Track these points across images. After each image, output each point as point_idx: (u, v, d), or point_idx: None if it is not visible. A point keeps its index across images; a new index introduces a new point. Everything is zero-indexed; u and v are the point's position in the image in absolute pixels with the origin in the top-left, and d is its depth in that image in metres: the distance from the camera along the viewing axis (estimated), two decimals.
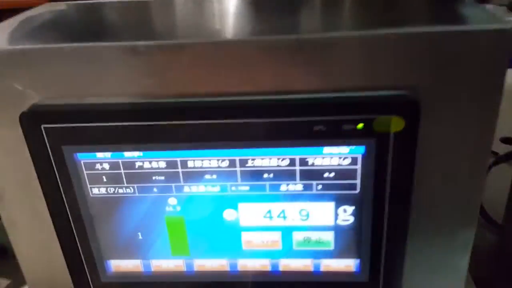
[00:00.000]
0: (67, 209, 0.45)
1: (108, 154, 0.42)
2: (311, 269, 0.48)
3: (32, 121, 0.41)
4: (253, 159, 0.42)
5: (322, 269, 0.47)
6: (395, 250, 0.45)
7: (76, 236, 0.47)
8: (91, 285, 0.50)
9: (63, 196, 0.44)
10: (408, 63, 0.37)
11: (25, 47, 0.40)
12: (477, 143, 0.40)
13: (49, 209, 0.45)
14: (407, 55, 0.37)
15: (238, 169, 0.42)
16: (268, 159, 0.42)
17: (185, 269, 0.49)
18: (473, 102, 0.38)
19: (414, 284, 0.48)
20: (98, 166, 0.43)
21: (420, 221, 0.44)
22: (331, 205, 0.43)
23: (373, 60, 0.37)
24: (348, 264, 0.47)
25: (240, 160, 0.42)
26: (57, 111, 0.40)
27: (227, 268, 0.49)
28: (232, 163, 0.42)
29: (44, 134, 0.41)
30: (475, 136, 0.40)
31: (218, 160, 0.42)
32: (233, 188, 0.43)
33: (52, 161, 0.42)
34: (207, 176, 0.43)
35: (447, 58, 0.37)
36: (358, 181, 0.42)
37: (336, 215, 0.44)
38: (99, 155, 0.43)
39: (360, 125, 0.38)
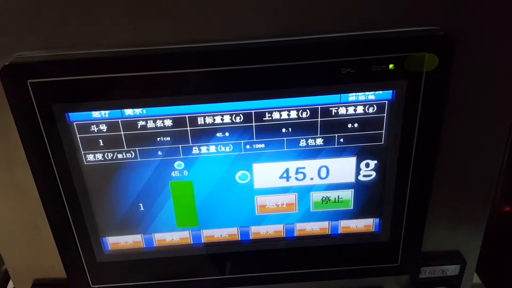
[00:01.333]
0: (58, 180, 0.39)
1: (105, 113, 0.37)
2: (328, 231, 0.45)
3: (15, 75, 0.35)
4: (270, 112, 0.38)
5: (340, 231, 0.45)
6: (418, 207, 0.42)
7: (68, 212, 0.41)
8: (85, 267, 0.45)
9: (53, 165, 0.39)
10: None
11: None
12: (505, 90, 0.38)
13: (35, 181, 0.39)
14: None
15: (253, 124, 0.38)
16: (287, 111, 0.38)
17: (192, 242, 0.45)
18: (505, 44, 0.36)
19: (432, 242, 0.47)
20: (93, 128, 0.38)
21: (441, 175, 0.42)
22: (352, 160, 0.41)
23: None
24: (367, 224, 0.44)
25: (256, 113, 0.38)
26: (46, 62, 0.35)
27: (238, 237, 0.45)
28: (247, 118, 0.38)
29: (30, 90, 0.35)
30: (504, 82, 0.38)
31: (231, 115, 0.38)
32: (248, 146, 0.40)
33: (40, 124, 0.37)
34: (219, 135, 0.39)
35: None
36: (383, 131, 0.39)
37: (358, 170, 0.41)
38: (95, 114, 0.37)
39: (392, 65, 0.35)
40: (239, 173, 0.41)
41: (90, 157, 0.39)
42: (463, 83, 0.37)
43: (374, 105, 0.38)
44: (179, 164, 0.40)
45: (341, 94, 0.37)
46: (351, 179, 0.42)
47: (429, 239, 0.46)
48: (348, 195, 0.43)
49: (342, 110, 0.38)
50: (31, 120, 0.36)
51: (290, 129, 0.39)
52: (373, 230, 0.45)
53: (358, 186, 0.42)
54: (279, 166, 0.41)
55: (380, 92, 0.37)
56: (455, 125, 0.39)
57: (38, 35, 0.35)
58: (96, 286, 0.46)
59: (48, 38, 0.35)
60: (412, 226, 0.44)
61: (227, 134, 0.39)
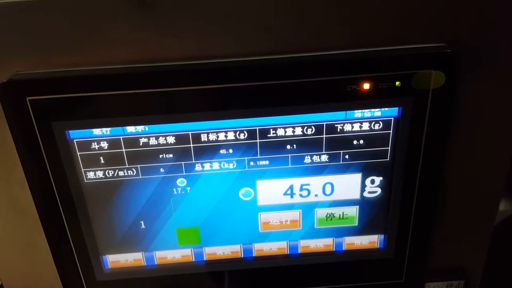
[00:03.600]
0: (57, 197, 0.38)
1: (106, 130, 0.36)
2: (333, 248, 0.44)
3: (14, 92, 0.34)
4: (274, 129, 0.37)
5: (344, 247, 0.44)
6: (423, 223, 0.42)
7: (67, 230, 0.40)
8: (85, 285, 0.44)
9: (52, 182, 0.38)
10: (447, 16, 0.34)
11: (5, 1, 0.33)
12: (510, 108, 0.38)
13: (34, 199, 0.39)
14: (446, 6, 0.34)
15: (257, 141, 0.38)
16: (291, 128, 0.37)
17: (194, 259, 0.44)
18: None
19: (437, 258, 0.46)
20: (94, 145, 0.37)
21: (446, 192, 0.42)
22: (358, 176, 0.40)
23: (410, 12, 0.34)
24: (372, 240, 0.44)
25: (260, 130, 0.37)
26: (46, 79, 0.34)
27: (241, 255, 0.44)
28: (251, 135, 0.37)
29: (29, 108, 0.34)
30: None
31: (235, 131, 0.37)
32: (251, 163, 0.39)
33: (39, 141, 0.36)
34: (222, 151, 0.38)
35: (488, 11, 0.34)
36: (389, 148, 0.38)
37: (363, 187, 0.40)
38: (96, 132, 0.36)
39: (398, 82, 0.34)
40: (242, 190, 0.40)
41: (91, 174, 0.38)
42: (469, 100, 0.37)
43: (380, 122, 0.37)
44: (181, 181, 0.39)
45: (347, 111, 0.36)
46: (356, 195, 0.41)
47: (433, 255, 0.45)
48: (353, 211, 0.42)
49: (347, 127, 0.37)
50: (30, 138, 0.36)
51: (294, 145, 0.38)
52: (378, 246, 0.44)
53: (363, 203, 0.41)
54: (283, 183, 0.40)
55: (386, 109, 0.36)
56: (461, 142, 0.39)
57: (37, 52, 0.34)
58: None
59: (48, 55, 0.34)
60: (417, 242, 0.43)
61: (230, 151, 0.38)
